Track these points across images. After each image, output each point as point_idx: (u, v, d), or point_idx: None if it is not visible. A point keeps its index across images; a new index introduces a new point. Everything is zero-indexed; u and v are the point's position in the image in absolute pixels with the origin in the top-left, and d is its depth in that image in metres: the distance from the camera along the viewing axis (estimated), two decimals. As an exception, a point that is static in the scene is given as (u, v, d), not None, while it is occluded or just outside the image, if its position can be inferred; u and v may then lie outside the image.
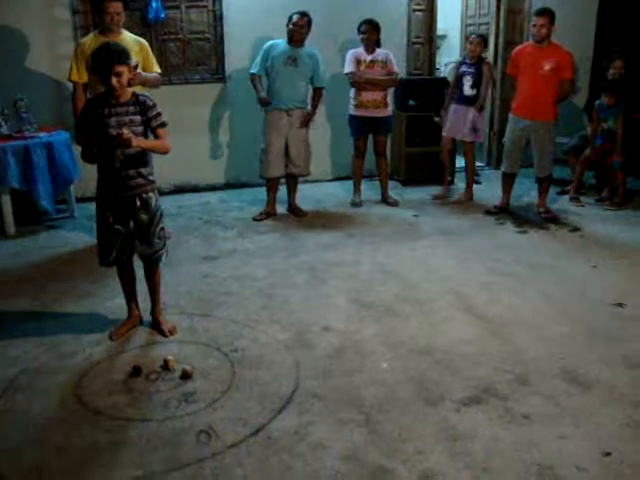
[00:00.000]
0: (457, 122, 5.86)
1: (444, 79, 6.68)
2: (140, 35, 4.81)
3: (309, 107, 5.42)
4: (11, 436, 2.54)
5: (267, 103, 5.25)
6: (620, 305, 3.73)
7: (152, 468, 2.33)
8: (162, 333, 3.37)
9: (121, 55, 3.05)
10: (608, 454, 2.39)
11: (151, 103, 3.15)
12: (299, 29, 5.17)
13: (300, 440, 2.48)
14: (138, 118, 3.10)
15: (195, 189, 6.43)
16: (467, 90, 5.78)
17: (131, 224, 3.21)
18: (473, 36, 5.85)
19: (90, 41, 4.34)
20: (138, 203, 3.19)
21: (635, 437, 2.50)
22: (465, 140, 5.97)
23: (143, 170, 3.19)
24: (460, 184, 6.72)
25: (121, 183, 3.15)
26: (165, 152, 3.24)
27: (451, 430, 2.55)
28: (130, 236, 3.23)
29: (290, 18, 5.19)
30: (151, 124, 3.14)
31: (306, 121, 5.39)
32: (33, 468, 2.35)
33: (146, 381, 2.91)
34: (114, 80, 3.00)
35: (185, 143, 5.89)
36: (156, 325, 3.42)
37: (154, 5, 5.77)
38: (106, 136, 3.01)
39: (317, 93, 5.43)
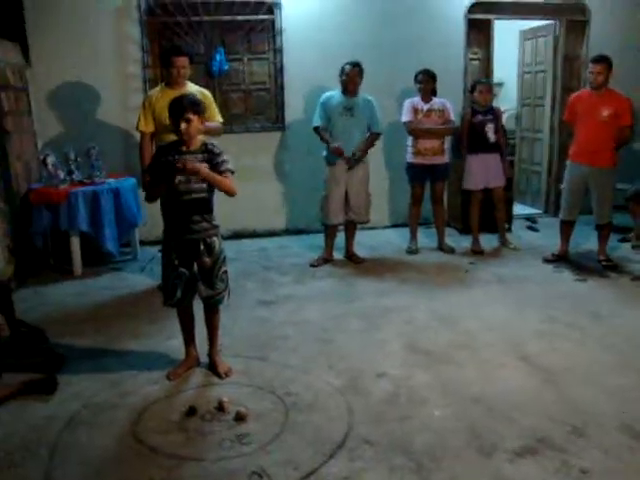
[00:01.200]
0: (489, 171, 5.87)
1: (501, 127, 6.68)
2: (204, 86, 5.04)
3: (368, 155, 5.48)
4: (73, 469, 2.64)
5: (341, 153, 5.31)
6: (684, 357, 3.62)
7: (205, 507, 2.38)
8: (218, 375, 3.44)
9: (194, 105, 3.26)
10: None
11: (218, 151, 3.31)
12: (352, 79, 5.28)
13: (351, 485, 2.49)
14: (206, 166, 3.25)
15: (254, 234, 6.58)
16: (492, 137, 5.81)
17: (195, 267, 3.33)
18: (482, 85, 5.86)
19: (157, 93, 4.58)
20: (202, 247, 3.32)
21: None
22: (498, 186, 5.97)
23: (207, 215, 3.33)
24: (519, 232, 6.68)
25: (187, 227, 3.28)
26: (231, 193, 3.33)
27: (504, 481, 2.51)
28: (193, 278, 3.34)
29: (343, 69, 5.32)
30: (218, 169, 3.27)
31: (354, 158, 5.32)
32: (92, 502, 2.43)
33: (201, 421, 2.97)
34: (183, 125, 3.19)
35: (245, 189, 6.01)
36: (212, 366, 3.50)
37: (218, 58, 6.07)
38: (173, 182, 3.17)
39: (373, 137, 5.47)
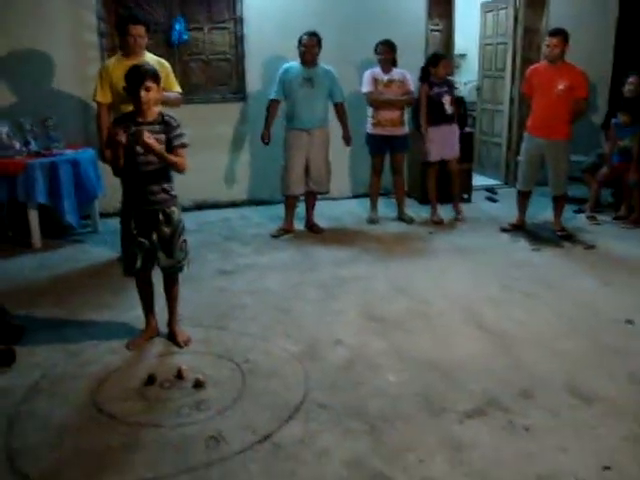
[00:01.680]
0: (446, 142, 5.92)
1: (461, 98, 6.75)
2: (163, 56, 4.98)
3: (329, 124, 5.57)
4: (32, 438, 2.66)
5: (266, 143, 5.48)
6: (630, 322, 3.76)
7: (162, 471, 2.43)
8: (177, 344, 3.49)
9: (153, 73, 3.28)
10: (607, 468, 2.43)
11: (175, 124, 3.31)
12: (310, 49, 5.29)
13: (305, 447, 2.57)
14: (162, 137, 3.25)
15: (216, 205, 6.57)
16: (449, 109, 5.87)
17: (154, 236, 3.35)
18: (445, 60, 5.91)
19: (114, 63, 4.52)
20: (161, 217, 3.33)
21: (635, 451, 2.54)
22: (453, 158, 6.03)
23: (166, 186, 3.34)
24: (479, 202, 6.80)
25: (145, 198, 3.30)
26: (182, 171, 3.34)
27: (453, 440, 2.61)
28: (153, 248, 3.36)
29: (300, 40, 5.32)
30: (173, 143, 3.28)
31: (347, 141, 5.66)
32: (52, 468, 2.47)
33: (160, 389, 3.02)
34: (143, 93, 3.18)
35: (207, 160, 6.06)
36: (172, 336, 3.54)
37: (177, 28, 6.00)
38: (132, 153, 3.17)
39: (339, 108, 5.55)
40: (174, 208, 3.40)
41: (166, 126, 3.28)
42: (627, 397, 2.94)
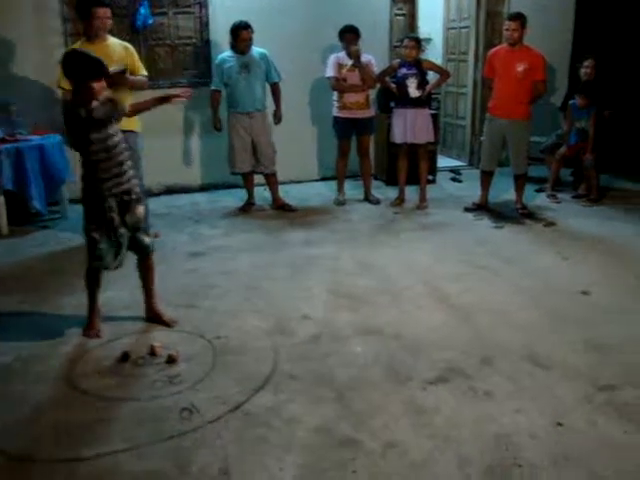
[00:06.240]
0: (411, 126, 5.77)
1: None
2: (128, 41, 4.99)
3: (268, 107, 5.75)
4: (7, 416, 2.72)
5: (218, 129, 5.70)
6: (585, 293, 3.93)
7: (138, 441, 2.50)
8: (166, 324, 3.53)
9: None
10: (560, 424, 2.58)
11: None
12: (244, 41, 5.47)
13: (275, 415, 2.66)
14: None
15: (185, 190, 6.61)
16: (413, 92, 5.69)
17: (131, 220, 3.36)
18: (407, 40, 5.71)
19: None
20: (134, 196, 3.37)
21: (587, 410, 2.68)
22: (420, 143, 5.88)
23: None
24: (443, 183, 6.95)
25: (123, 181, 3.30)
26: None
27: (416, 406, 2.73)
28: (132, 234, 3.38)
29: (237, 32, 5.47)
30: None
31: (278, 120, 5.76)
32: (29, 444, 2.52)
33: (134, 365, 3.09)
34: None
35: (174, 145, 6.11)
36: (157, 317, 3.57)
37: (142, 12, 5.99)
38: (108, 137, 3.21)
39: (275, 88, 5.73)
40: (138, 188, 3.45)
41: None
42: (582, 362, 3.09)
